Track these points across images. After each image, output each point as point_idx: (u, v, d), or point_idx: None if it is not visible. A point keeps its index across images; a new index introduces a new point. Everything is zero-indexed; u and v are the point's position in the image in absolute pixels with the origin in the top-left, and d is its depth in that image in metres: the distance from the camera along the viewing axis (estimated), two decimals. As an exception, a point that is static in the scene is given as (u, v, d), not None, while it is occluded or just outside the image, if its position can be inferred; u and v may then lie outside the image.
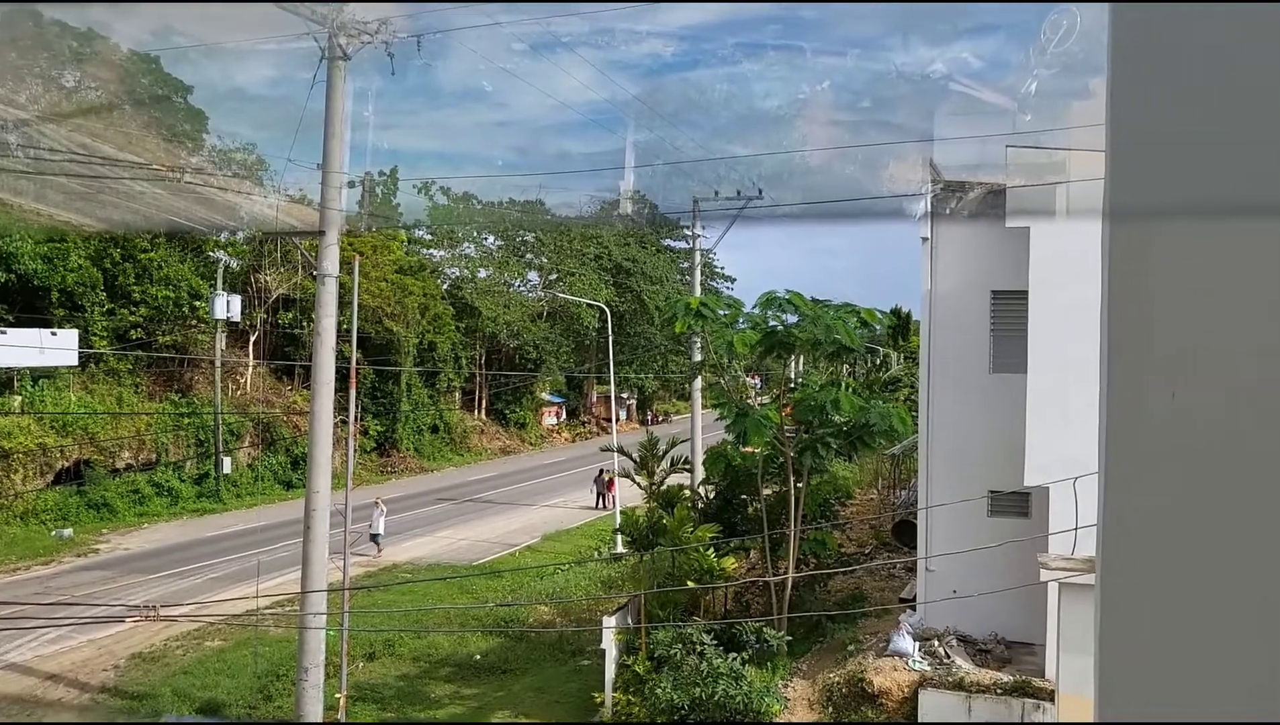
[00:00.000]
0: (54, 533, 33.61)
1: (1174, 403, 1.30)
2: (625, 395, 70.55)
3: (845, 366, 22.52)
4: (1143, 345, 1.31)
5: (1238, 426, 1.28)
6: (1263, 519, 1.28)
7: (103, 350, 39.23)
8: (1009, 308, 19.18)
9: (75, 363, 37.81)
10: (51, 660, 22.20)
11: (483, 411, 59.62)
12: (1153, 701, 1.34)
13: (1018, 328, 18.40)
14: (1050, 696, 16.60)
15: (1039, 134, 17.82)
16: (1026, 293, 17.95)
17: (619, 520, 26.93)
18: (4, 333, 35.35)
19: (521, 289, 61.93)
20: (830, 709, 18.01)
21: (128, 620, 23.63)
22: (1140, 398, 1.31)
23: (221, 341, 42.29)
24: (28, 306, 37.47)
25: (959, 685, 17.20)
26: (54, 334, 36.82)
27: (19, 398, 36.20)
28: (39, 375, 37.08)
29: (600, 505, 39.95)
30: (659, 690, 17.56)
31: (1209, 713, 1.31)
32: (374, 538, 31.76)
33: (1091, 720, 1.41)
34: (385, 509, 32.85)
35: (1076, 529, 13.73)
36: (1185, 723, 1.33)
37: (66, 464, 36.51)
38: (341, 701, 19.52)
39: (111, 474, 37.55)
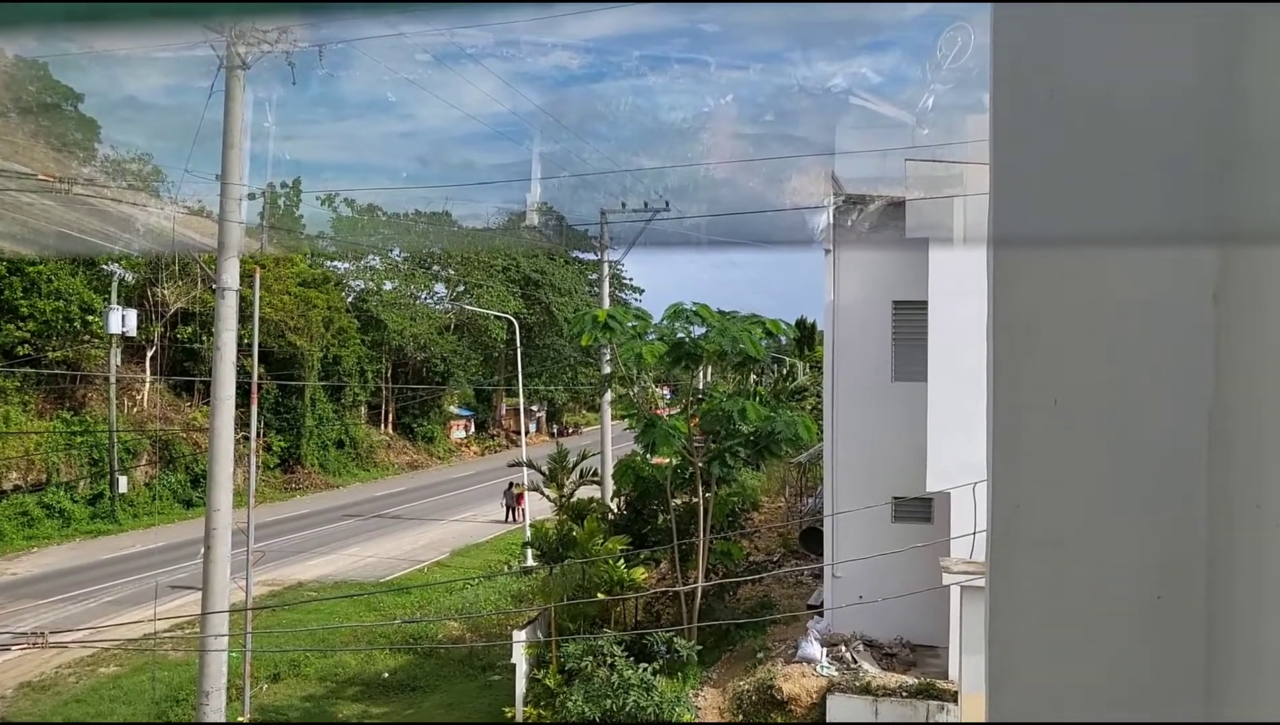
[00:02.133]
0: (-64, 558, 32.22)
1: (1056, 410, 1.37)
2: (535, 408, 70.29)
3: (753, 377, 22.80)
4: (1025, 358, 1.38)
5: (1116, 432, 1.35)
6: (1142, 520, 1.35)
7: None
8: (910, 317, 19.60)
9: (-41, 380, 36.33)
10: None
11: (389, 426, 58.81)
12: (1041, 699, 1.40)
13: (918, 337, 18.81)
14: (954, 697, 16.99)
15: (936, 147, 18.28)
16: (926, 303, 18.37)
17: (529, 534, 26.81)
18: (-119, 350, 33.83)
19: (429, 301, 61.33)
20: (740, 716, 18.15)
21: (14, 649, 22.73)
22: (1024, 405, 1.38)
23: (116, 357, 40.99)
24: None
25: (866, 689, 17.48)
26: (-64, 351, 35.35)
27: (-102, 418, 34.63)
28: (-80, 394, 35.56)
29: (510, 519, 39.70)
30: (570, 703, 17.51)
31: (1095, 710, 1.38)
32: None
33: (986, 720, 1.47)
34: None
35: (975, 533, 14.08)
36: (1073, 722, 1.40)
37: (-50, 486, 35.03)
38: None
39: (-2, 496, 36.13)
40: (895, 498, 19.74)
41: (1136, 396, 1.34)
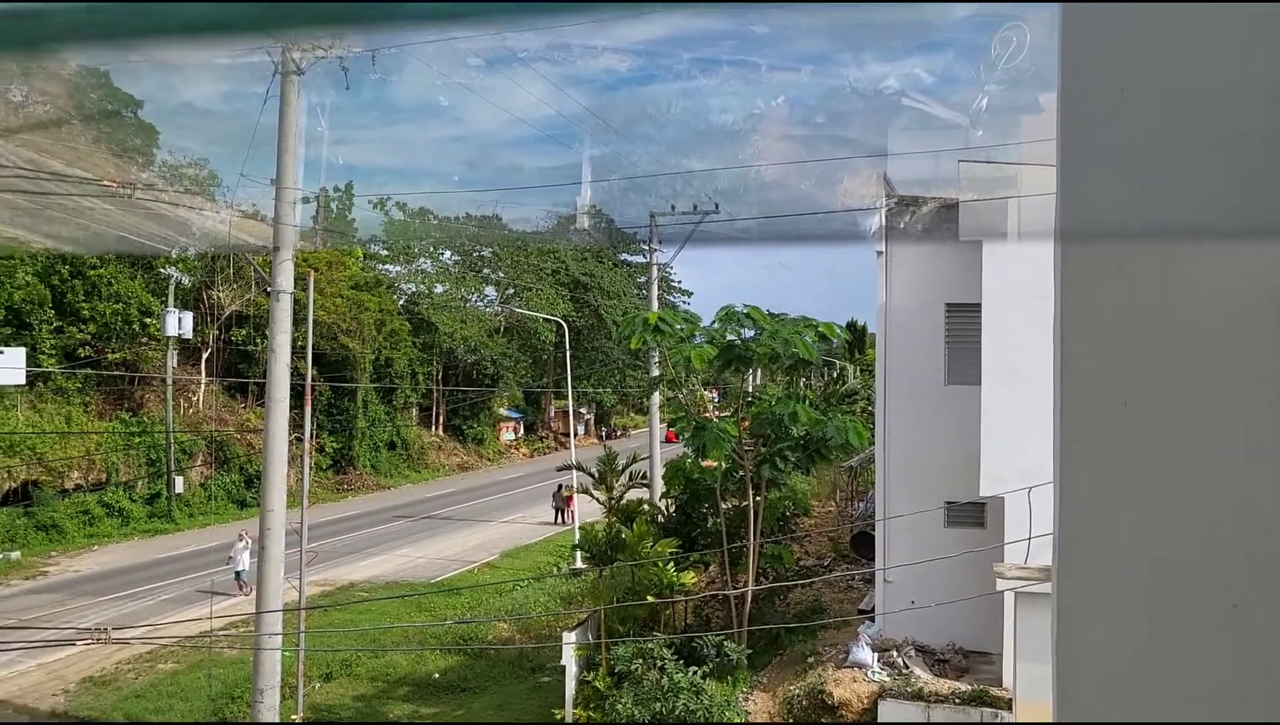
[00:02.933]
0: (1, 555, 32.93)
1: (1126, 412, 1.34)
2: (583, 410, 70.49)
3: (803, 380, 22.70)
4: (1095, 358, 1.34)
5: (1188, 435, 1.32)
6: (1214, 523, 1.32)
7: (51, 369, 38.57)
8: (963, 320, 19.40)
9: (23, 382, 37.12)
10: (0, 685, 21.74)
11: (440, 427, 59.26)
12: (1110, 705, 1.36)
13: (972, 340, 18.62)
14: (1008, 705, 16.77)
15: (990, 149, 18.08)
16: (980, 306, 18.18)
17: (578, 536, 26.88)
18: (-51, 352, 34.68)
19: (479, 304, 61.73)
20: (791, 720, 18.05)
21: (78, 644, 23.19)
22: (1093, 408, 1.35)
23: (173, 359, 41.71)
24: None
25: (918, 695, 17.31)
26: (1, 352, 36.14)
27: (-36, 418, 35.50)
28: (-14, 395, 36.41)
29: (559, 521, 39.82)
30: (620, 706, 17.52)
31: (1165, 715, 1.34)
32: (237, 575, 28.54)
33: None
34: (250, 543, 27.78)
35: (1030, 538, 13.90)
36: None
37: (14, 485, 35.81)
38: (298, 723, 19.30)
39: (60, 495, 36.89)
40: (948, 502, 19.55)
41: (1210, 398, 1.30)
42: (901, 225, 20.06)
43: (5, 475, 35.45)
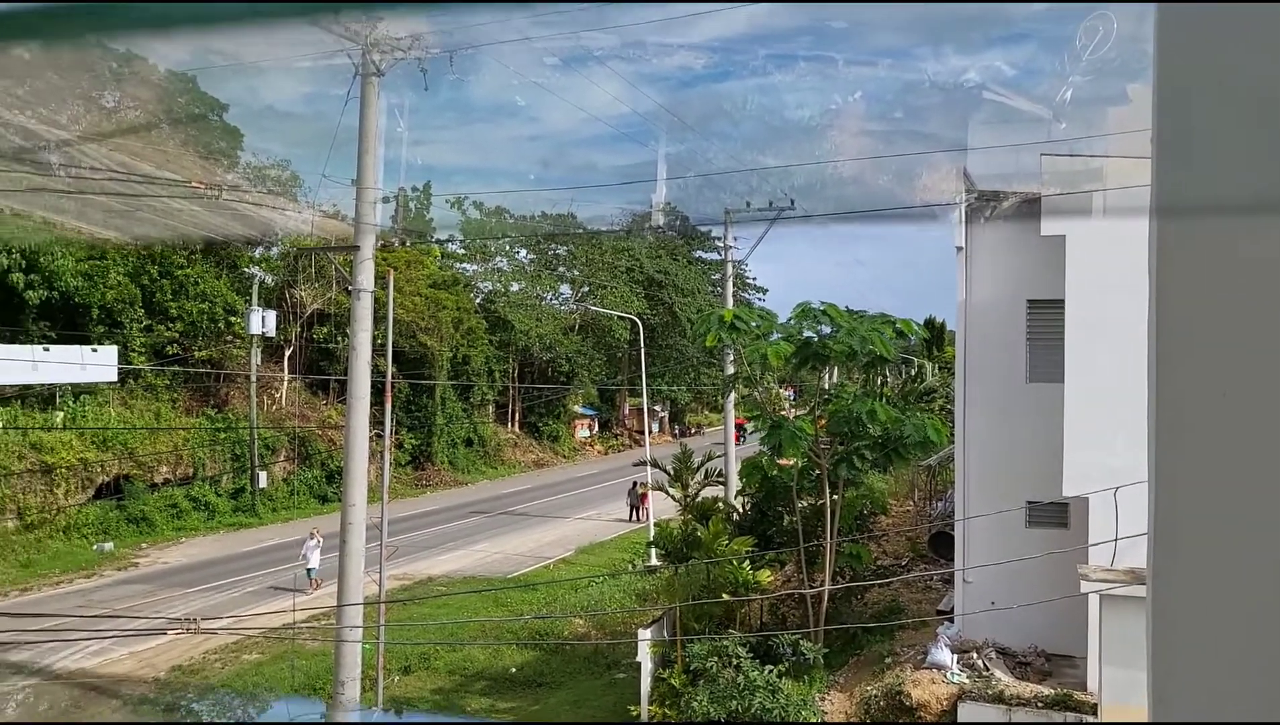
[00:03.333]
0: (95, 546, 34.00)
1: (1225, 403, 1.27)
2: (658, 408, 70.53)
3: (880, 378, 22.46)
4: (1192, 347, 1.28)
5: None
6: None
7: (141, 366, 39.71)
8: (1045, 317, 19.02)
9: (115, 379, 38.28)
10: (94, 672, 22.43)
11: (516, 424, 59.78)
12: (1208, 711, 1.31)
13: (1054, 337, 18.24)
14: (1093, 709, 16.40)
15: (1075, 141, 17.69)
16: (1063, 302, 17.80)
17: (653, 533, 26.89)
18: (47, 350, 35.84)
19: (554, 302, 62.13)
20: (868, 721, 17.85)
21: (169, 633, 23.87)
22: (1190, 399, 1.28)
23: (257, 356, 42.65)
24: (69, 323, 38.00)
25: (999, 698, 17.00)
26: (94, 350, 37.30)
27: (61, 413, 36.68)
28: (80, 391, 37.57)
29: (634, 518, 39.91)
30: (695, 703, 17.48)
31: (1266, 722, 1.28)
32: (308, 573, 28.81)
33: None
34: (321, 540, 29.21)
35: (1117, 539, 13.58)
36: (1242, 730, 1.30)
37: (107, 479, 36.93)
38: (376, 714, 19.60)
39: (150, 489, 37.95)
40: (1029, 502, 19.17)
41: None
42: (982, 220, 19.72)
43: (99, 469, 36.58)
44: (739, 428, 45.21)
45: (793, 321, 19.92)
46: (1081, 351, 17.27)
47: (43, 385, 36.22)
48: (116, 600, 27.74)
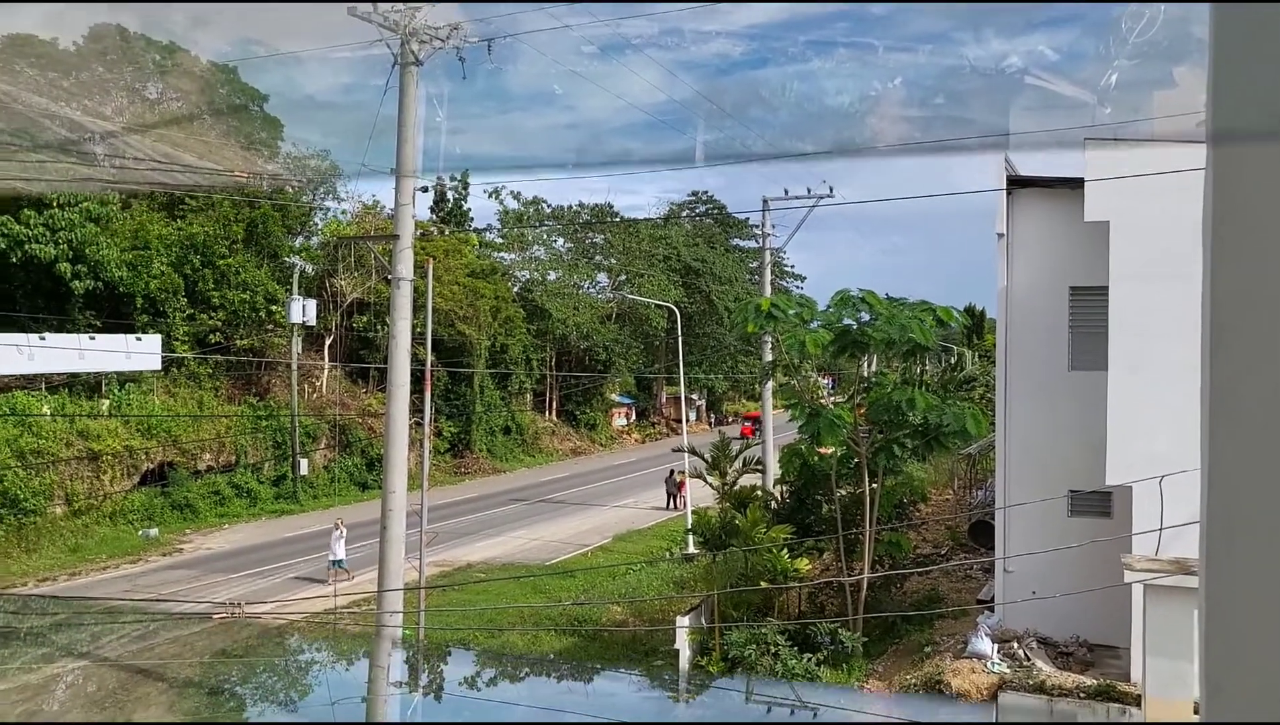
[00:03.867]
0: (140, 532, 34.52)
1: None
2: (695, 396, 70.48)
3: (920, 366, 22.29)
4: (1247, 333, 1.24)
5: None
6: None
7: (184, 354, 40.21)
8: (1089, 304, 18.81)
9: (159, 367, 38.80)
10: (138, 655, 22.79)
11: (554, 413, 59.98)
12: (1263, 704, 1.28)
13: (1098, 324, 18.04)
14: (1137, 701, 16.23)
15: (1120, 125, 17.44)
16: (1107, 288, 17.59)
17: (691, 521, 26.90)
18: (93, 338, 36.39)
19: (591, 291, 62.20)
20: (909, 714, 17.79)
21: (214, 617, 24.24)
22: (1246, 384, 1.25)
23: (297, 345, 43.05)
24: (114, 313, 38.54)
25: (1040, 688, 16.88)
26: (139, 339, 37.82)
27: (107, 401, 37.24)
28: (125, 379, 38.11)
29: (671, 506, 39.93)
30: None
31: None
32: (337, 564, 28.21)
33: (1189, 723, 1.35)
34: (345, 531, 28.83)
35: (1162, 529, 13.42)
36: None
37: (151, 466, 37.45)
38: (416, 699, 19.76)
39: (194, 476, 38.45)
40: (1072, 491, 18.99)
41: None
42: (1023, 207, 19.51)
43: (144, 456, 37.11)
44: (753, 421, 44.95)
45: (831, 309, 19.83)
46: (1126, 338, 17.07)
47: (89, 373, 36.78)
48: (162, 585, 28.17)
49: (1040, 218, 19.51)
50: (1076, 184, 18.09)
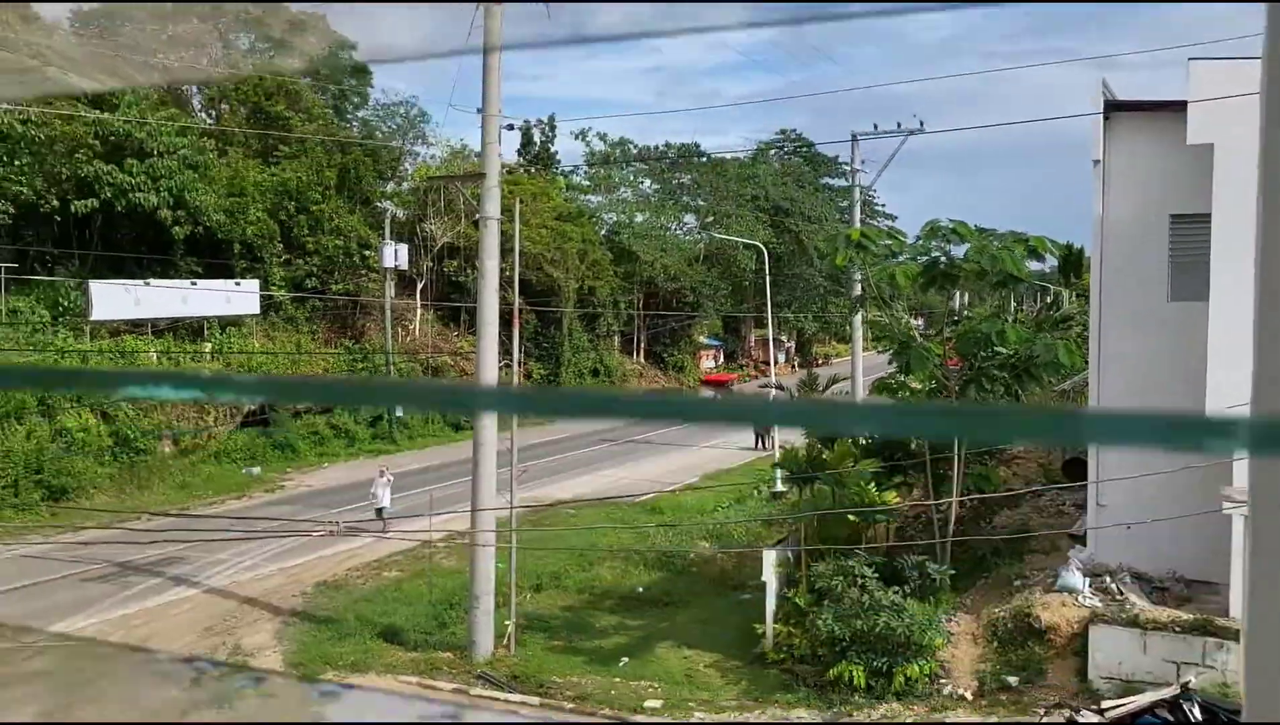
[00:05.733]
0: (244, 470, 35.76)
1: None
2: (784, 338, 70.07)
3: (1015, 305, 21.92)
4: None
5: None
6: None
7: (280, 295, 41.26)
8: (1190, 232, 18.26)
9: (257, 311, 39.92)
10: (247, 586, 23.74)
11: (641, 355, 60.24)
12: None
13: (1199, 253, 17.52)
14: (1235, 635, 15.94)
15: (1225, 42, 16.75)
16: (1209, 216, 17.04)
17: (778, 456, 26.91)
18: (194, 284, 37.57)
19: (678, 233, 61.96)
20: (995, 643, 17.72)
21: (317, 533, 25.23)
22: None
23: (390, 289, 43.85)
24: (214, 258, 39.71)
25: (1133, 622, 16.67)
26: (238, 284, 38.94)
27: (209, 344, 38.50)
28: (226, 323, 39.33)
29: (759, 446, 39.95)
30: (820, 622, 17.61)
31: None
32: (378, 512, 27.83)
33: None
34: (391, 478, 28.77)
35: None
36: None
37: (253, 407, 38.64)
38: (511, 629, 20.30)
39: (293, 417, 39.60)
40: (1169, 423, 18.54)
41: None
42: (1120, 132, 18.92)
43: (245, 398, 38.39)
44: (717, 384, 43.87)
45: (921, 240, 19.54)
46: (1230, 267, 16.55)
47: (192, 318, 38.03)
48: (270, 521, 29.18)
49: (1139, 143, 18.90)
50: (1178, 107, 17.48)
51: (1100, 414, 0.93)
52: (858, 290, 26.72)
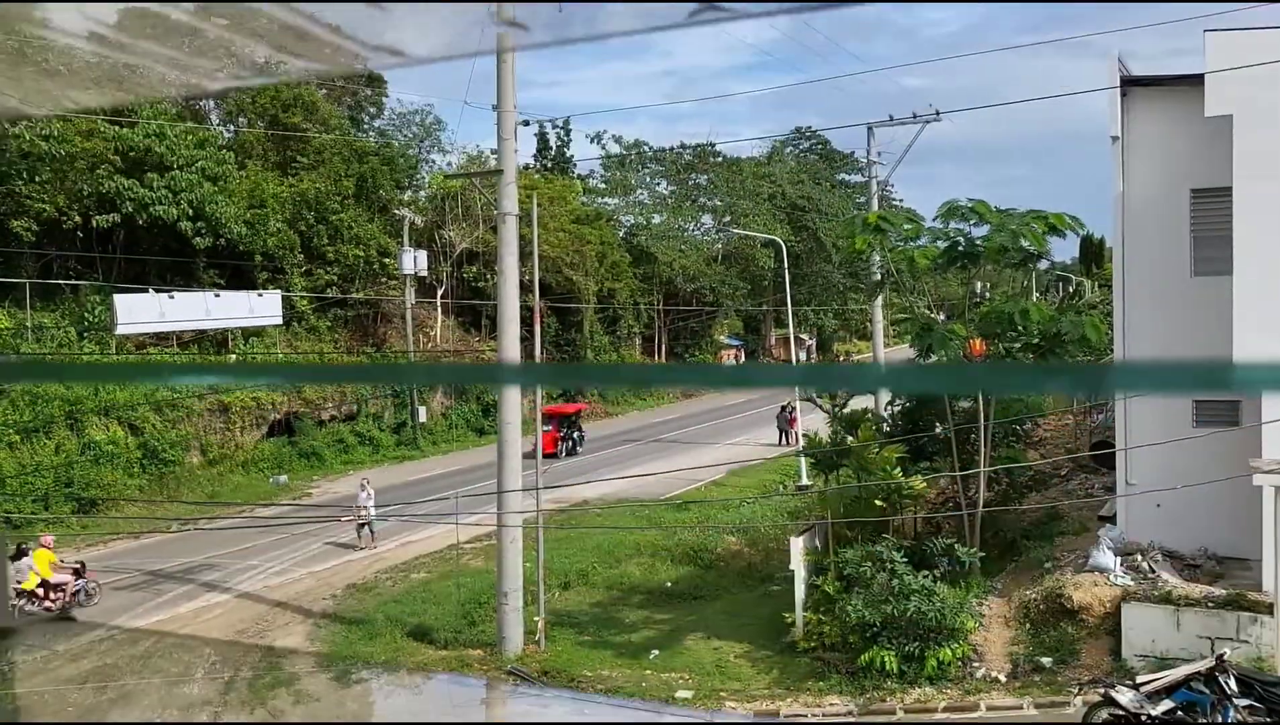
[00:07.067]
0: (271, 479, 35.95)
1: None
2: (804, 336, 69.89)
3: (1038, 294, 21.77)
4: None
5: None
6: None
7: (303, 299, 41.49)
8: (1211, 206, 18.13)
9: (280, 321, 40.14)
10: (277, 590, 23.87)
11: (662, 356, 60.20)
12: None
13: (1221, 226, 17.39)
14: (1269, 609, 15.79)
15: (1241, 11, 16.64)
16: (1230, 189, 16.93)
17: (803, 444, 26.82)
18: (218, 296, 37.83)
19: (696, 233, 61.94)
20: (1027, 625, 17.61)
21: (360, 548, 25.35)
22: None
23: (410, 296, 44.02)
24: (236, 270, 39.96)
25: (1166, 599, 16.52)
26: (260, 295, 39.17)
27: (234, 356, 38.74)
28: (249, 334, 39.57)
29: (784, 442, 39.86)
30: (850, 608, 17.52)
31: None
32: (363, 527, 27.20)
33: None
34: (373, 492, 27.99)
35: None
36: None
37: (278, 417, 38.87)
38: (540, 624, 20.31)
39: (318, 425, 39.81)
40: (1196, 400, 18.41)
41: None
42: (1138, 106, 18.80)
43: (271, 408, 38.56)
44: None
45: (939, 221, 19.45)
46: (1252, 239, 16.44)
47: (216, 329, 38.30)
48: (295, 526, 29.31)
49: (1156, 118, 18.79)
50: (1195, 80, 17.37)
51: (1123, 364, 0.94)
52: (877, 272, 26.64)
